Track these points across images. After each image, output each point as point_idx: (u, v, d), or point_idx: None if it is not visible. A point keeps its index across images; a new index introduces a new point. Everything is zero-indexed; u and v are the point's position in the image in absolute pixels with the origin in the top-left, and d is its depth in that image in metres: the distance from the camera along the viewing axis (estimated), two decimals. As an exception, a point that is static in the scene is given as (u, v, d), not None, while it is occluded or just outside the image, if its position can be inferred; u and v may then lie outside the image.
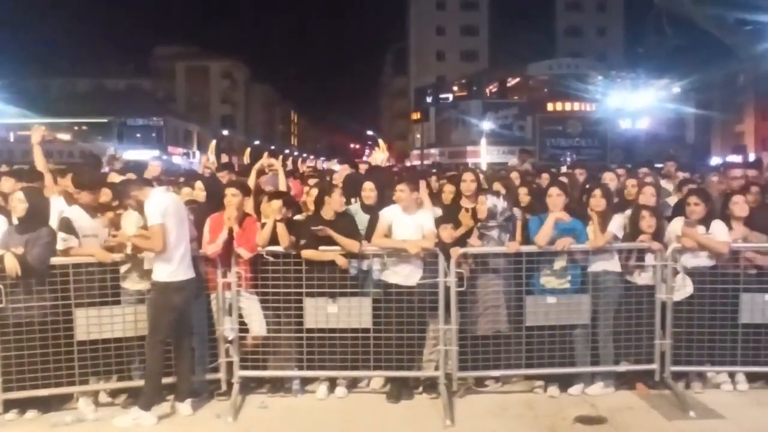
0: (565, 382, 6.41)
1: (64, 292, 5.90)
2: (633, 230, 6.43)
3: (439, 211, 6.90)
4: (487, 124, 49.89)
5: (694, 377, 6.52)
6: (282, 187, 7.32)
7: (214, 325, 6.32)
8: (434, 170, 13.47)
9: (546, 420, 5.83)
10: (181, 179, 9.02)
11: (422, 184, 7.35)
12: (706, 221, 6.36)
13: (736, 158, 38.94)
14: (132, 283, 6.16)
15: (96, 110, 57.37)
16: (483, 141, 47.95)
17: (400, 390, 6.32)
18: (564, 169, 13.86)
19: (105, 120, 58.39)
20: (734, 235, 6.40)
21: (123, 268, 6.14)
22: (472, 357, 6.27)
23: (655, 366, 6.32)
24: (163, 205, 5.70)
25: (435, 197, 7.49)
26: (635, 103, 42.54)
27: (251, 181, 7.50)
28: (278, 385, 6.48)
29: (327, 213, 6.44)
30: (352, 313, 6.25)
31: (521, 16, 61.54)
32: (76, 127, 57.06)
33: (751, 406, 6.10)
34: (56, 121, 55.42)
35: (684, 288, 6.31)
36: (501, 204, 6.45)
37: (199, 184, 7.12)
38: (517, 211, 6.83)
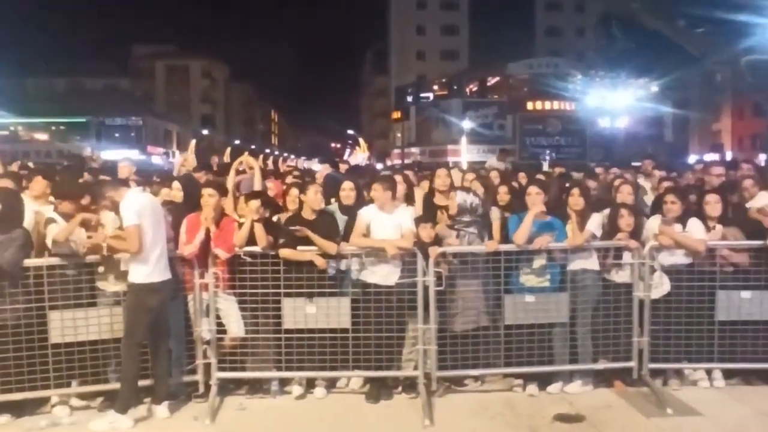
0: (544, 381, 6.43)
1: (38, 294, 5.81)
2: (611, 229, 6.46)
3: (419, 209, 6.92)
4: (467, 123, 50.06)
5: (672, 374, 6.57)
6: (258, 187, 7.27)
7: (192, 327, 6.26)
8: (415, 169, 13.46)
9: (525, 419, 5.83)
10: (156, 179, 8.94)
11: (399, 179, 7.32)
12: (682, 219, 6.41)
13: (714, 156, 39.41)
14: (108, 285, 6.08)
15: (74, 110, 56.92)
16: (463, 140, 48.09)
17: (379, 390, 6.30)
18: (545, 167, 13.95)
19: (83, 120, 57.90)
20: (712, 234, 6.46)
21: (99, 270, 6.07)
22: (451, 356, 6.27)
23: (633, 363, 6.35)
24: (138, 206, 5.63)
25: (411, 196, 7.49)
26: (614, 102, 42.87)
27: (230, 181, 7.44)
28: (257, 387, 6.44)
29: (307, 213, 6.41)
30: (330, 313, 6.22)
31: (501, 15, 61.79)
32: (53, 127, 56.55)
33: (727, 402, 6.16)
34: (33, 121, 54.90)
35: (661, 286, 6.35)
36: (470, 199, 6.45)
37: (176, 184, 7.06)
38: (496, 210, 6.84)
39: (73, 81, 70.89)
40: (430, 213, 6.75)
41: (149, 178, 9.37)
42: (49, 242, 5.90)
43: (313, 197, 6.40)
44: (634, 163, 9.84)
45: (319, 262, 6.15)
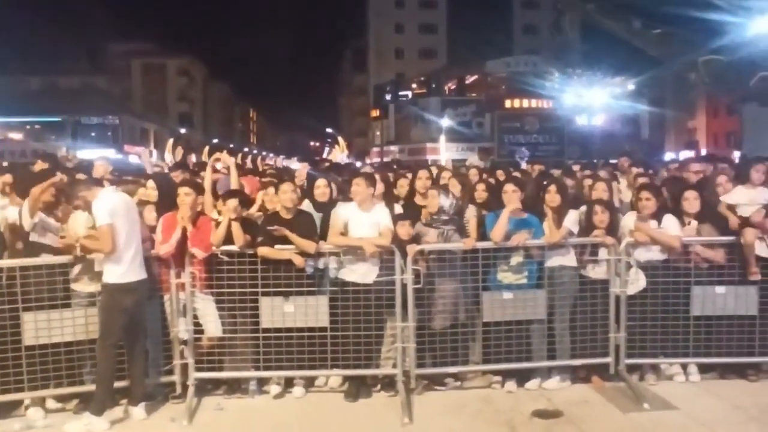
0: (522, 377, 6.46)
1: (11, 295, 5.74)
2: (588, 225, 6.50)
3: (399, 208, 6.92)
4: (446, 121, 50.22)
5: (648, 369, 6.63)
6: (235, 186, 7.21)
7: (168, 327, 6.20)
8: (394, 167, 13.48)
9: (504, 415, 5.86)
10: (129, 178, 8.84)
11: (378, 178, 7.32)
12: (658, 216, 6.46)
13: (689, 153, 39.86)
14: (83, 286, 6.01)
15: (49, 109, 56.23)
16: (442, 138, 48.23)
17: (358, 388, 6.29)
18: (523, 165, 14.02)
19: (58, 119, 57.24)
20: (687, 230, 6.52)
21: (74, 271, 5.99)
22: (430, 354, 6.28)
23: (609, 359, 6.40)
24: (111, 205, 5.57)
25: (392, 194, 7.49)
26: (591, 100, 43.16)
27: (207, 180, 7.37)
28: (235, 387, 6.39)
29: (284, 212, 6.37)
30: (308, 312, 6.19)
31: (479, 14, 61.97)
32: (28, 126, 55.84)
33: (703, 396, 6.22)
34: (7, 120, 54.11)
35: (637, 282, 6.40)
36: (448, 199, 6.47)
37: (151, 183, 6.98)
38: (473, 208, 6.86)
39: (48, 79, 69.93)
40: (410, 211, 6.75)
41: (123, 177, 9.24)
42: (27, 224, 5.85)
43: (287, 196, 6.33)
44: (611, 161, 9.88)
45: (297, 260, 6.12)
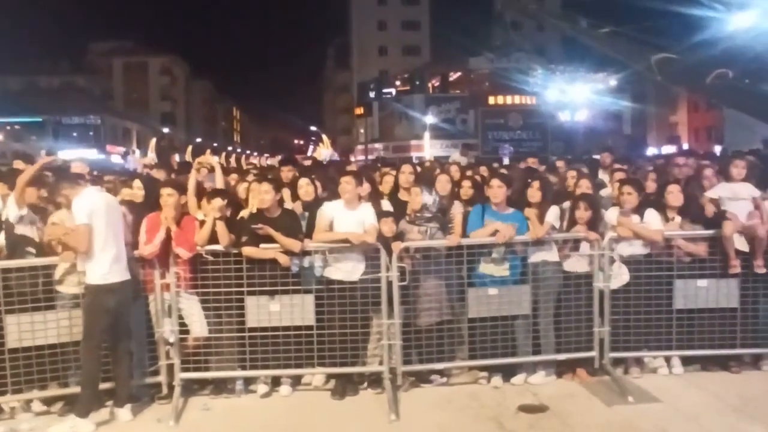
0: (508, 373, 6.50)
1: (-6, 298, 5.69)
2: (572, 221, 6.55)
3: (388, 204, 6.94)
4: (430, 118, 50.14)
5: (632, 363, 6.69)
6: (220, 185, 7.18)
7: (153, 328, 6.18)
8: (378, 165, 13.49)
9: (490, 410, 5.89)
10: (110, 178, 8.80)
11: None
12: (639, 210, 6.52)
13: (671, 148, 40.17)
14: (68, 287, 5.97)
15: (29, 109, 55.65)
16: (426, 135, 48.20)
17: (344, 386, 6.30)
18: (505, 161, 14.07)
19: (39, 119, 56.69)
20: (670, 224, 6.59)
21: (58, 271, 5.95)
22: (416, 351, 6.30)
23: (594, 353, 6.45)
24: (91, 205, 5.54)
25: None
26: (574, 95, 43.31)
27: (192, 181, 7.30)
28: (221, 386, 6.38)
29: (269, 210, 6.35)
30: (294, 310, 6.19)
31: (462, 10, 61.97)
32: (8, 127, 55.22)
33: (686, 388, 6.29)
34: (-13, 121, 53.50)
35: (620, 276, 6.46)
36: (432, 196, 6.50)
37: (137, 183, 6.95)
38: (459, 204, 6.89)
39: (27, 79, 69.26)
40: (395, 208, 6.77)
41: (102, 177, 9.16)
42: (12, 216, 5.88)
43: (267, 196, 6.26)
44: (594, 156, 9.94)
45: (282, 259, 6.12)
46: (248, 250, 6.13)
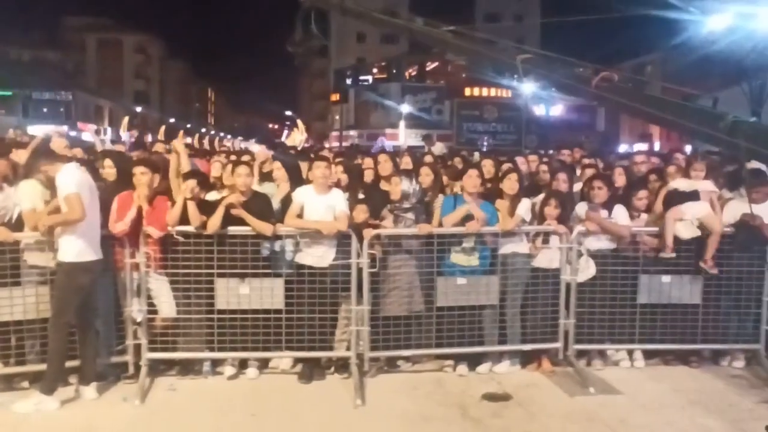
0: (473, 361, 6.58)
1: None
2: (541, 214, 6.63)
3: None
4: (405, 107, 50.17)
5: (595, 355, 6.82)
6: (186, 168, 7.08)
7: (121, 307, 6.15)
8: (353, 152, 13.48)
9: (454, 397, 5.97)
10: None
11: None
12: (608, 205, 6.63)
13: (642, 146, 40.63)
14: (35, 258, 5.85)
15: (-2, 81, 54.47)
16: (402, 124, 48.21)
17: (311, 370, 6.34)
18: (476, 156, 14.08)
19: (8, 93, 55.51)
20: (637, 221, 6.71)
21: (24, 242, 5.84)
22: (383, 337, 6.35)
23: (558, 344, 6.57)
24: (77, 178, 5.49)
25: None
26: (549, 90, 43.67)
27: (173, 163, 7.19)
28: (188, 368, 6.39)
29: (243, 193, 6.31)
30: (264, 294, 6.19)
31: (441, 0, 61.93)
32: (-26, 99, 54.08)
33: (646, 381, 6.44)
34: (-46, 93, 52.28)
35: (587, 270, 6.55)
36: (412, 186, 6.53)
37: (108, 162, 6.85)
38: (442, 198, 6.91)
39: (-5, 48, 67.73)
40: (372, 196, 6.80)
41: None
42: None
43: (243, 180, 6.24)
44: (563, 150, 10.01)
45: (265, 228, 6.08)
46: (213, 221, 6.04)
